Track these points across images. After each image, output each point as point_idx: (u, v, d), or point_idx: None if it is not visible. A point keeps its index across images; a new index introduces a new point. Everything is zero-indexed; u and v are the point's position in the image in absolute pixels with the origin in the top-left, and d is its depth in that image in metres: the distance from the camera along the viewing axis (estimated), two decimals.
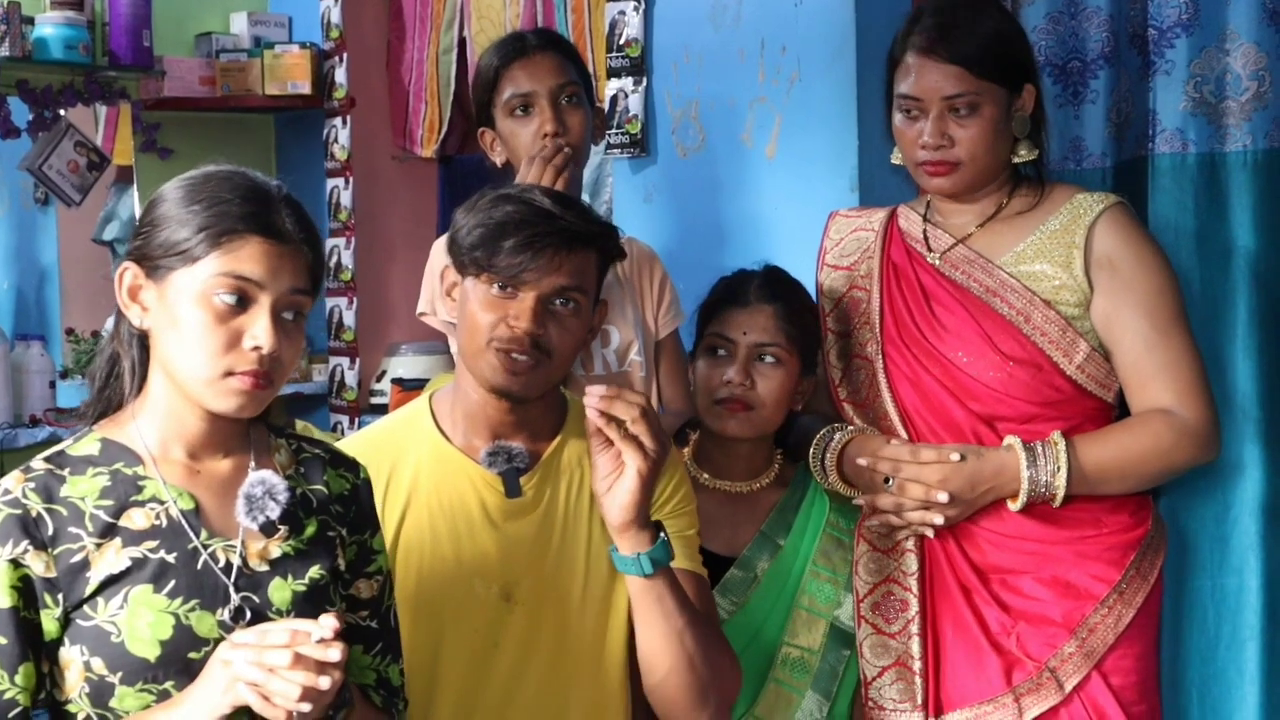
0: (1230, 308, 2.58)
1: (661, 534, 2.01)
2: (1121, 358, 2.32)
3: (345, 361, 4.48)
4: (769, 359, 2.39)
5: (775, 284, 2.45)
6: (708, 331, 2.45)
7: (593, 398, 1.94)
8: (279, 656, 1.57)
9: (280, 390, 1.75)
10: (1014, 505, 2.30)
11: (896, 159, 2.44)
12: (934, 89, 2.31)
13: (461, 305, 2.08)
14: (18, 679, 1.64)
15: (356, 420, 4.36)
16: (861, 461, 2.36)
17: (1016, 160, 2.38)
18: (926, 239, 2.45)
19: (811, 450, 2.46)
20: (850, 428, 2.45)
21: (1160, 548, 2.38)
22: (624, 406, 1.94)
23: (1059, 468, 2.26)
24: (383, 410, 4.08)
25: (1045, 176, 2.42)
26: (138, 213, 4.70)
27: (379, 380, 4.42)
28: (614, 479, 1.98)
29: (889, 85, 2.41)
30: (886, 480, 2.34)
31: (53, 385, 4.55)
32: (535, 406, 2.11)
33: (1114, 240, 2.31)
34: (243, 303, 1.67)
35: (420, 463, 2.11)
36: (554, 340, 2.03)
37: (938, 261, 2.42)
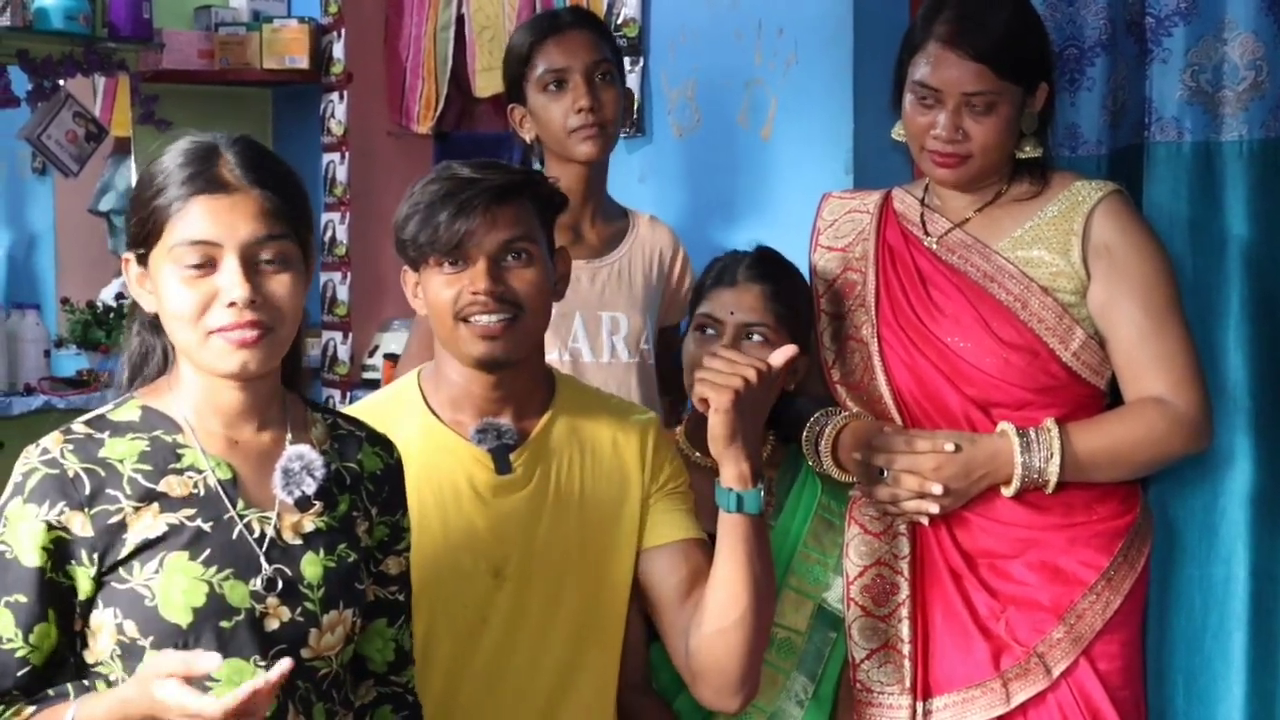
0: (1223, 297, 2.57)
1: (759, 485, 2.04)
2: (1116, 346, 2.32)
3: (338, 336, 4.48)
4: (756, 338, 2.39)
5: (765, 264, 2.44)
6: (698, 311, 2.44)
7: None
8: None
9: (290, 334, 1.74)
10: (1007, 491, 2.30)
11: (898, 135, 2.43)
12: (955, 83, 2.29)
13: (426, 298, 2.10)
14: (31, 638, 1.66)
15: (348, 395, 4.37)
16: (856, 456, 2.36)
17: (1021, 156, 2.37)
18: (923, 222, 2.45)
19: (805, 435, 2.45)
20: (844, 413, 2.45)
21: (1147, 536, 2.39)
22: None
23: (1052, 454, 2.26)
24: (375, 385, 4.09)
25: (1048, 171, 2.40)
26: (134, 184, 4.69)
27: (371, 355, 4.43)
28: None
29: (900, 65, 2.39)
30: (881, 471, 2.34)
31: (47, 354, 4.57)
32: (520, 381, 2.11)
33: (1112, 229, 2.31)
34: (210, 264, 1.67)
35: (410, 439, 2.10)
36: (518, 293, 2.05)
37: (934, 245, 2.41)
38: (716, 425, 2.03)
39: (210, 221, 1.66)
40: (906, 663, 2.34)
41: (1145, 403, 2.29)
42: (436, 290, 2.06)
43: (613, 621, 2.19)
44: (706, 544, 2.16)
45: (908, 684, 2.34)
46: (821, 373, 2.52)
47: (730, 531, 2.04)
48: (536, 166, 2.76)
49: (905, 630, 2.35)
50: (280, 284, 1.70)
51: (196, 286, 1.67)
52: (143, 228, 1.69)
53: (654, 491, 2.19)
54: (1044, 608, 2.30)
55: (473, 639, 2.08)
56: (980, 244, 2.37)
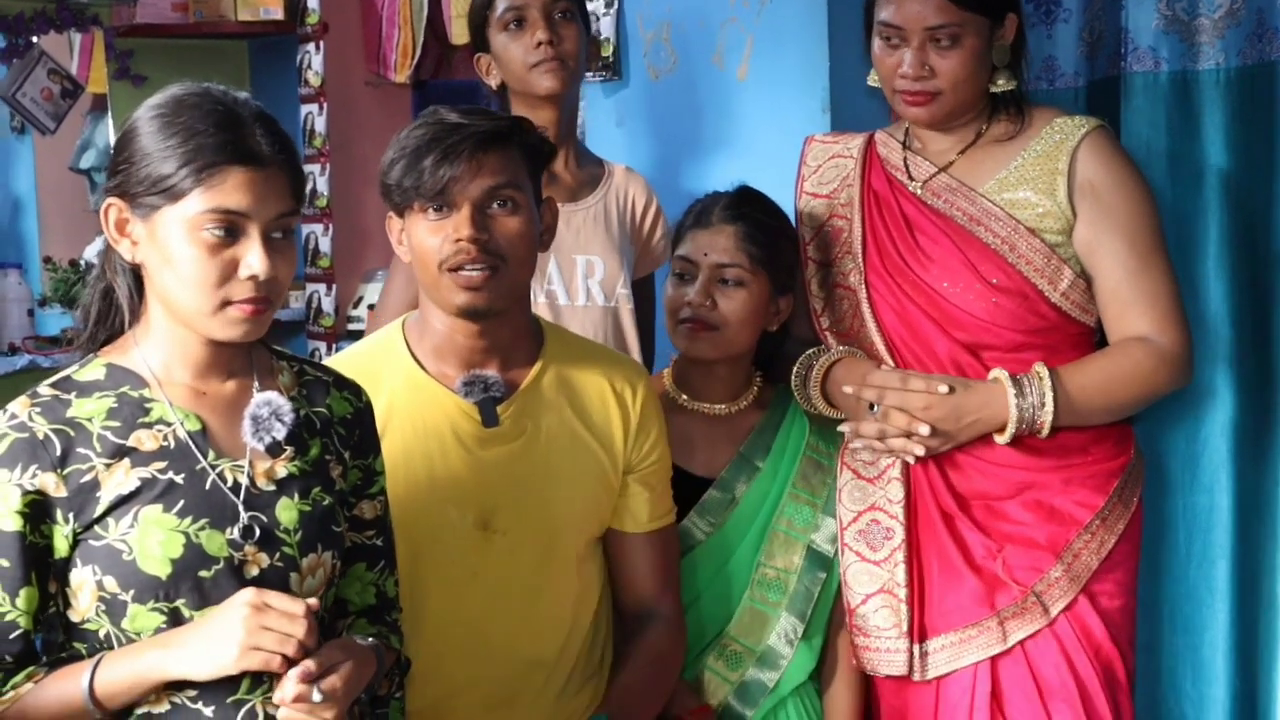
0: (1202, 228, 2.57)
1: None
2: (1101, 283, 2.31)
3: (322, 288, 4.47)
4: (731, 280, 2.39)
5: (742, 204, 2.43)
6: (675, 254, 2.45)
7: None
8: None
9: (279, 306, 1.76)
10: (1001, 438, 2.29)
11: (873, 81, 2.41)
12: (916, 18, 2.27)
13: (410, 245, 2.08)
14: (19, 602, 1.67)
15: (333, 347, 4.37)
16: (847, 389, 2.36)
17: (994, 89, 2.35)
18: (907, 167, 2.43)
19: (795, 370, 2.45)
20: (836, 349, 2.44)
21: (1140, 477, 2.39)
22: None
23: (1044, 398, 2.25)
24: (360, 336, 4.06)
25: (1025, 104, 2.38)
26: (113, 141, 4.67)
27: (356, 306, 4.43)
28: None
29: (868, 9, 2.37)
30: (871, 406, 2.34)
31: (31, 313, 4.56)
32: (505, 331, 2.10)
33: (1096, 165, 2.30)
34: (233, 233, 1.67)
35: (395, 389, 2.11)
36: (501, 243, 2.03)
37: (919, 190, 2.40)
38: None
39: (245, 193, 1.66)
40: (903, 607, 2.34)
41: (1131, 343, 2.29)
42: (421, 237, 2.04)
43: (605, 573, 2.22)
44: (667, 531, 2.22)
45: (904, 627, 2.34)
46: (809, 317, 2.51)
47: None
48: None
49: (901, 574, 2.34)
50: (287, 260, 1.72)
51: (218, 254, 1.67)
52: (157, 183, 1.67)
53: (635, 463, 2.18)
54: (1041, 546, 2.31)
55: (463, 592, 2.09)
56: (965, 187, 2.36)
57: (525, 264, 2.08)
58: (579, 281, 2.69)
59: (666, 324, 2.45)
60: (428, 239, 2.03)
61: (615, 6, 3.29)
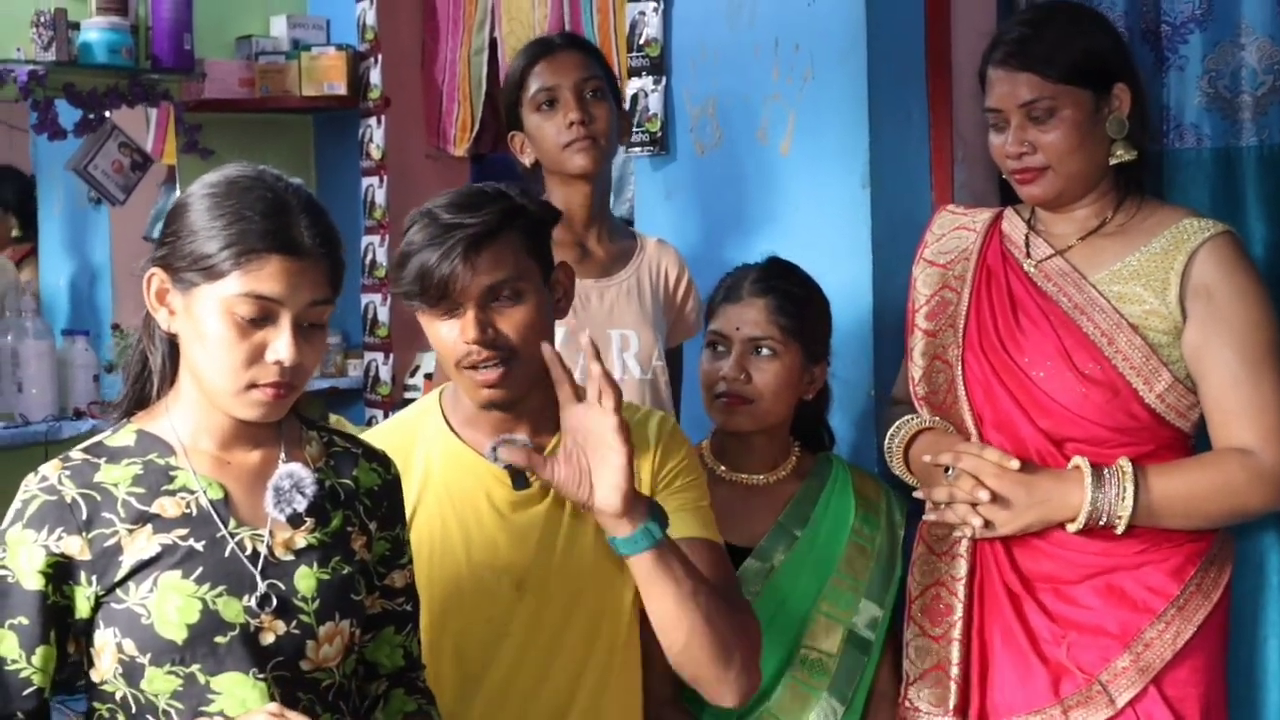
0: None
1: (642, 522, 1.97)
2: (1207, 391, 2.25)
3: (379, 357, 4.53)
4: (764, 352, 2.43)
5: (772, 276, 2.47)
6: (708, 328, 2.49)
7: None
8: None
9: (302, 390, 1.80)
10: (1072, 527, 2.25)
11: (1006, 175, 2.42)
12: (1009, 97, 2.30)
13: (429, 336, 2.11)
14: (35, 659, 1.71)
15: (390, 414, 4.40)
16: (926, 458, 2.36)
17: (1114, 161, 2.32)
18: (1027, 244, 2.42)
19: (890, 432, 2.47)
20: (927, 419, 2.44)
21: (1226, 564, 2.32)
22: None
23: (1124, 494, 2.21)
24: None
25: (1148, 198, 2.37)
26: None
27: (412, 375, 4.47)
28: (587, 479, 1.94)
29: None
30: (946, 470, 2.33)
31: (97, 379, 4.62)
32: (533, 400, 2.12)
33: (1214, 270, 2.24)
34: (265, 318, 1.71)
35: (431, 458, 2.15)
36: (510, 337, 2.04)
37: (1032, 270, 2.39)
38: (621, 471, 1.91)
39: (282, 282, 1.70)
40: (953, 685, 2.33)
41: (1229, 453, 2.22)
42: (435, 335, 2.08)
43: (629, 632, 2.21)
44: (713, 546, 2.12)
45: (951, 706, 2.32)
46: (907, 385, 2.51)
47: (654, 566, 1.96)
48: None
49: (955, 652, 2.33)
50: (315, 348, 1.76)
51: (248, 337, 1.71)
52: (199, 260, 1.71)
53: (661, 480, 2.16)
54: (1109, 634, 2.26)
55: (495, 650, 2.11)
56: (1077, 274, 2.34)
57: (536, 347, 2.06)
58: (614, 356, 2.72)
59: (703, 398, 2.48)
60: (442, 336, 2.06)
61: (663, 83, 3.34)
